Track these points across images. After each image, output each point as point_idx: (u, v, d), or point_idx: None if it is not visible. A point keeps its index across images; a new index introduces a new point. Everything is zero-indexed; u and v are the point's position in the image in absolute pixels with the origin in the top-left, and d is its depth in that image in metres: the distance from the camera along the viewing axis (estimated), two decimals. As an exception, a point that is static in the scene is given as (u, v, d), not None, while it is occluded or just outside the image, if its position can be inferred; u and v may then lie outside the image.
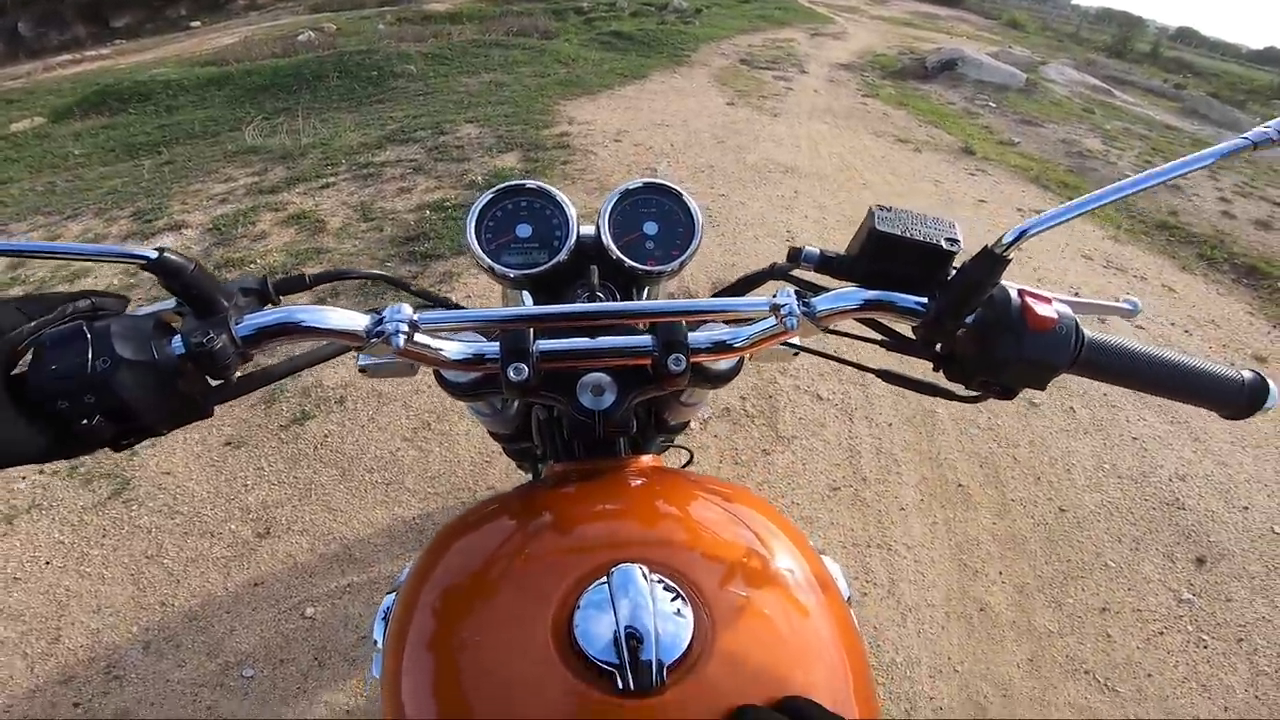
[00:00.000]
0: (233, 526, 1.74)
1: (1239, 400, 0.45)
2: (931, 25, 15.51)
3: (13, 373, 0.34)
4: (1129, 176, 0.44)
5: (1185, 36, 30.43)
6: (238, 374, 0.41)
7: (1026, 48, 12.13)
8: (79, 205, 3.82)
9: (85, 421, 0.34)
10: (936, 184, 4.21)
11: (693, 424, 2.07)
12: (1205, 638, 1.62)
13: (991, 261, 0.43)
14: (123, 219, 3.53)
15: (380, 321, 0.41)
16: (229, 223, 3.24)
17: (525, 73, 6.08)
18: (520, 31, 7.73)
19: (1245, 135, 0.42)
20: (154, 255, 0.38)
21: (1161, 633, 1.62)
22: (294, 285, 0.50)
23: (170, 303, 0.40)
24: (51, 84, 8.86)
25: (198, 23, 15.12)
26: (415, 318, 0.42)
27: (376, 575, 1.61)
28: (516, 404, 0.72)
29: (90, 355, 0.33)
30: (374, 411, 2.07)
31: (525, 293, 0.63)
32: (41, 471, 1.88)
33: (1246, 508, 2.00)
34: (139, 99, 6.37)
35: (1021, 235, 0.42)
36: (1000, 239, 0.42)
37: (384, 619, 0.55)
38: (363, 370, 0.58)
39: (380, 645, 0.52)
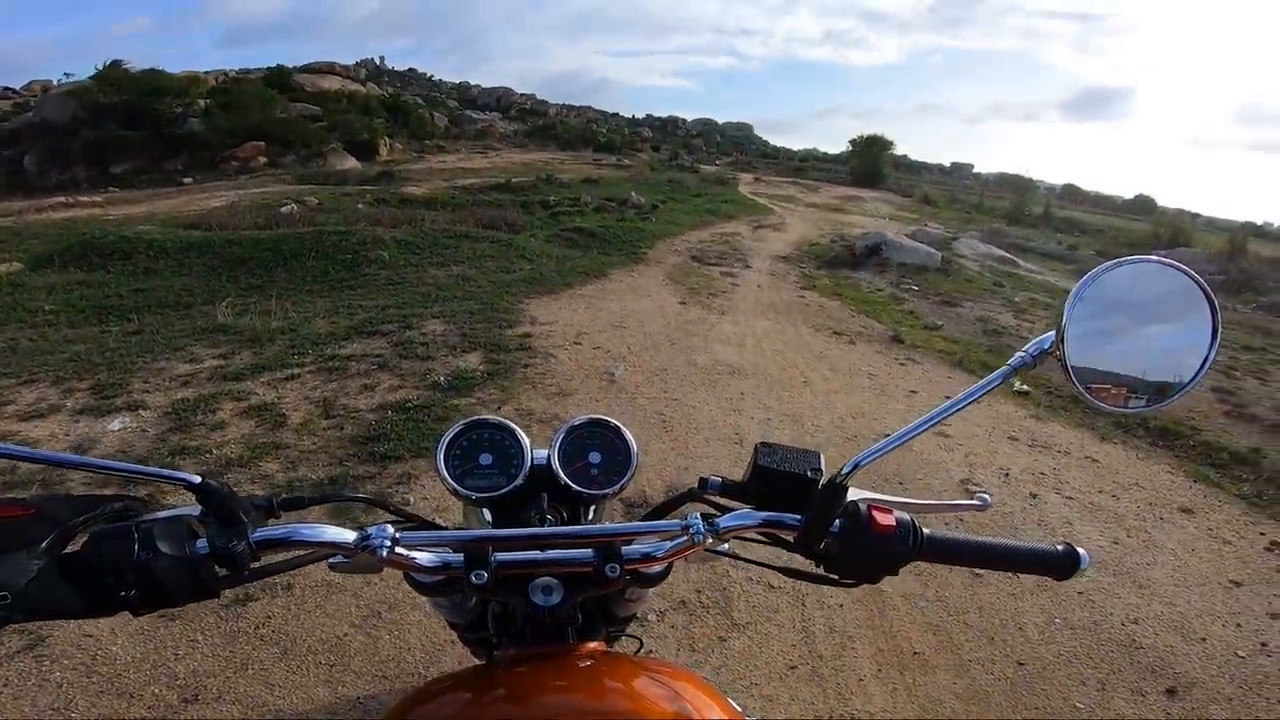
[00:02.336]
0: (156, 690, 1.67)
1: (1060, 566, 0.58)
2: (857, 209, 17.65)
3: (64, 551, 0.43)
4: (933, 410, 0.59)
5: (1070, 194, 35.12)
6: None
7: (939, 223, 13.87)
8: (38, 369, 3.77)
9: (123, 594, 0.43)
10: (871, 377, 4.56)
11: (650, 616, 2.10)
12: None
13: (835, 489, 0.56)
14: (80, 391, 3.49)
15: (367, 538, 0.51)
16: (189, 408, 3.25)
17: (491, 267, 6.53)
18: (489, 224, 8.38)
19: (1009, 363, 0.58)
20: (198, 481, 0.48)
21: None
22: (295, 504, 0.59)
23: (195, 509, 0.49)
24: (39, 227, 9.01)
25: (190, 179, 15.97)
26: (397, 535, 0.52)
27: None
28: (474, 601, 0.79)
29: (136, 548, 0.43)
30: (322, 599, 2.03)
31: (485, 510, 0.72)
32: None
33: (1204, 639, 2.10)
34: (120, 256, 6.45)
35: (856, 466, 0.56)
36: (840, 470, 0.56)
37: None
38: (332, 568, 0.65)
39: None
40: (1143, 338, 0.58)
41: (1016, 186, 25.50)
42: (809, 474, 0.61)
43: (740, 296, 6.50)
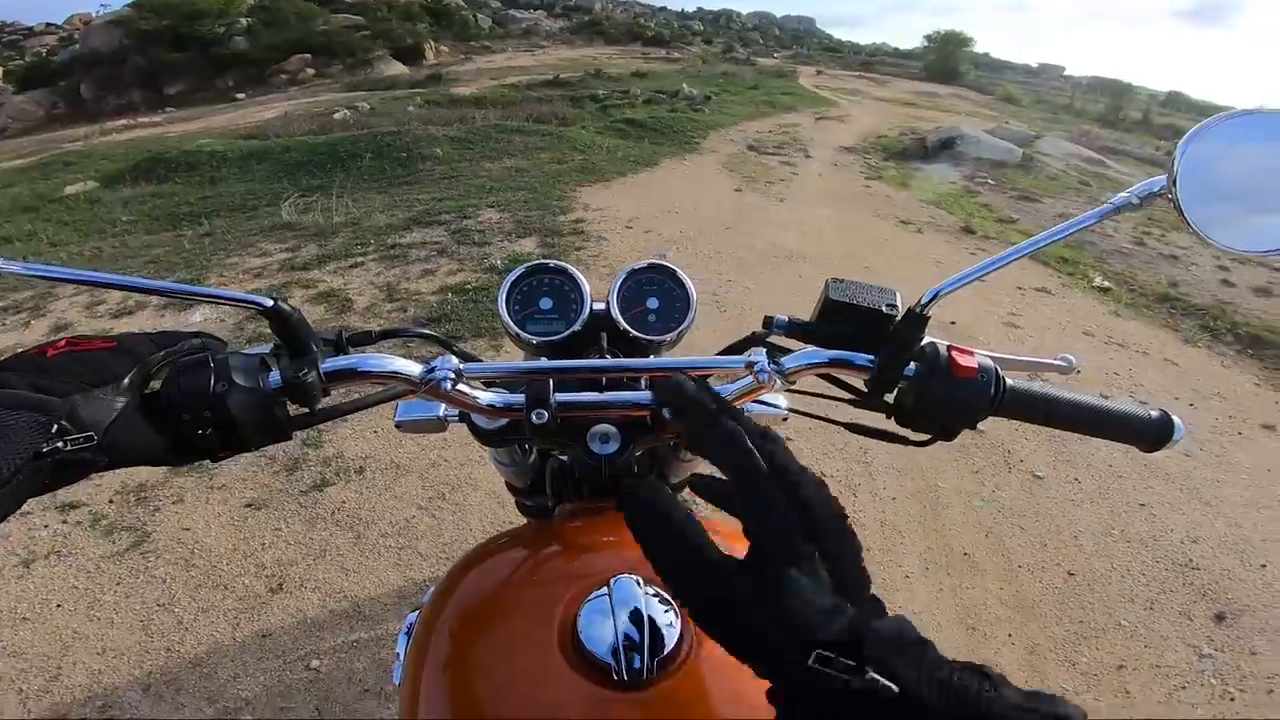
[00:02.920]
0: (246, 581, 1.79)
1: (1150, 435, 0.53)
2: (931, 104, 16.23)
3: (146, 391, 0.43)
4: (1051, 227, 0.55)
5: (1174, 101, 31.40)
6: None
7: (1022, 122, 12.65)
8: (123, 271, 4.05)
9: (200, 433, 0.43)
10: (938, 265, 4.34)
11: (697, 501, 2.15)
12: (1231, 690, 1.60)
13: (915, 320, 0.52)
14: None
15: (431, 370, 0.50)
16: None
17: (544, 159, 6.42)
18: (539, 118, 8.19)
19: (1112, 201, 0.53)
20: (270, 304, 0.47)
21: (1183, 688, 1.61)
22: (362, 340, 0.59)
23: (267, 348, 0.50)
24: (106, 148, 9.41)
25: (243, 95, 16.18)
26: (461, 367, 0.51)
27: (384, 633, 1.64)
28: (534, 457, 0.82)
29: (213, 379, 0.43)
30: (390, 481, 2.14)
31: (544, 358, 0.72)
32: (64, 521, 1.96)
33: (1264, 565, 2.00)
34: (186, 168, 6.73)
35: (935, 296, 0.52)
36: (919, 300, 0.52)
37: (407, 633, 0.62)
38: (399, 425, 0.69)
39: (402, 656, 0.59)
40: (1259, 184, 0.53)
41: (1113, 91, 22.72)
42: (885, 308, 0.55)
43: (800, 185, 6.20)
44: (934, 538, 2.03)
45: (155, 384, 0.44)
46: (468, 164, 6.25)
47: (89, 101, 16.68)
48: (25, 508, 0.35)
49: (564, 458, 0.79)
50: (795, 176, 6.53)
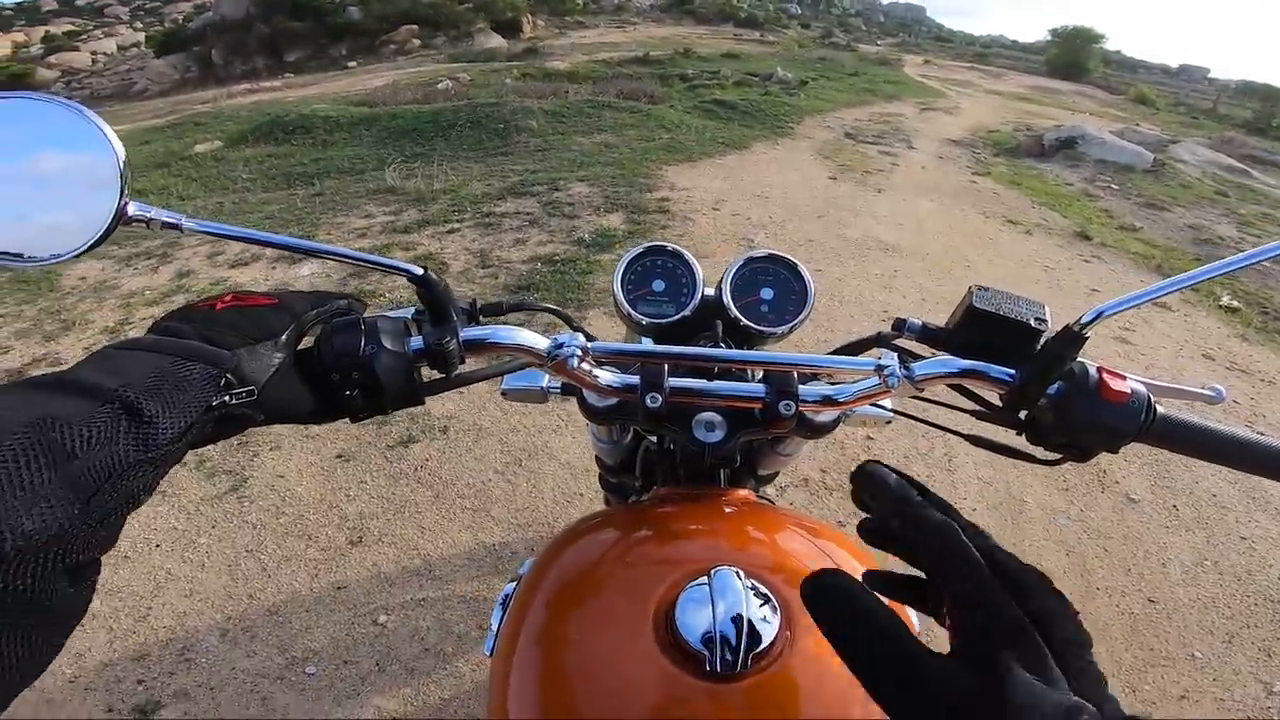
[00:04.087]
0: (329, 532, 1.87)
1: None
2: (1051, 101, 15.04)
3: (298, 349, 0.44)
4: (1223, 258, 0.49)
5: None
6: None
7: (1155, 125, 11.53)
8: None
9: (347, 393, 0.44)
10: (1046, 270, 4.05)
11: (769, 489, 2.12)
12: None
13: (1072, 338, 0.49)
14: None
15: (560, 346, 0.50)
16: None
17: (632, 135, 6.42)
18: (629, 95, 8.15)
19: None
20: (420, 272, 0.49)
21: None
22: (493, 310, 0.61)
23: (408, 312, 0.52)
24: (231, 110, 10.09)
25: (354, 63, 17.04)
26: (588, 345, 0.52)
27: (451, 593, 1.70)
28: (630, 436, 0.82)
29: (363, 340, 0.44)
30: (472, 443, 2.22)
31: (649, 341, 0.71)
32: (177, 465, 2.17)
33: None
34: (301, 131, 7.12)
35: (1099, 316, 0.48)
36: (1080, 319, 0.48)
37: (502, 604, 0.63)
38: (504, 394, 0.71)
39: (495, 628, 0.61)
40: None
41: (1265, 96, 20.17)
42: (1033, 322, 0.51)
43: (900, 176, 5.90)
44: (1012, 552, 1.92)
45: (308, 342, 0.45)
46: (559, 137, 6.33)
47: (218, 66, 18.05)
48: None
49: (655, 440, 0.80)
50: (895, 167, 6.22)
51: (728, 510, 0.65)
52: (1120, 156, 7.39)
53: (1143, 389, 0.49)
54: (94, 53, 25.45)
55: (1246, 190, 7.35)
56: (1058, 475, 2.25)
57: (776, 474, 0.91)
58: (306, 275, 3.56)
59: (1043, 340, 0.51)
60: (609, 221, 4.04)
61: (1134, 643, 1.71)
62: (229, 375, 0.36)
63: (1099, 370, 0.49)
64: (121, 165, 0.40)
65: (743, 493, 0.70)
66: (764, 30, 25.14)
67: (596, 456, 0.96)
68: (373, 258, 0.50)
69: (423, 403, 0.49)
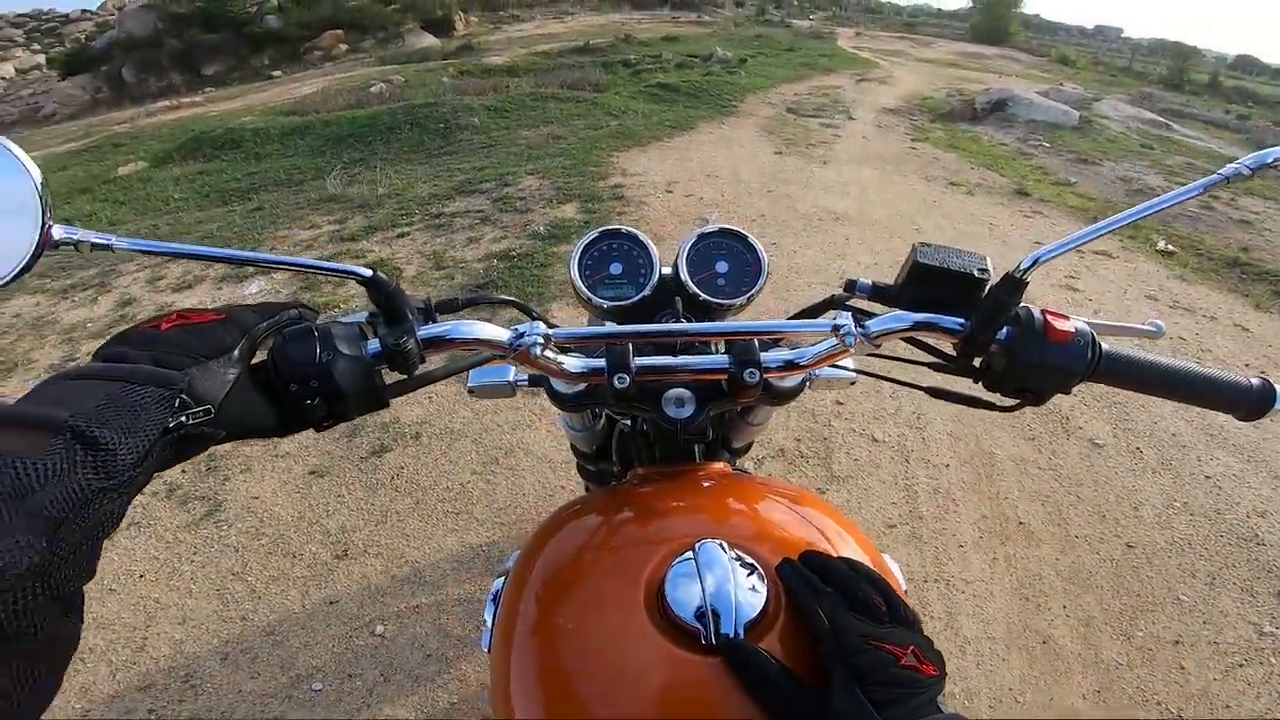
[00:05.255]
0: (313, 548, 1.85)
1: (1248, 403, 0.52)
2: (978, 65, 15.49)
3: (253, 362, 0.43)
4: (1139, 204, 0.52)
5: (1245, 65, 29.29)
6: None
7: (1078, 84, 12.00)
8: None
9: (308, 402, 0.44)
10: (990, 227, 4.20)
11: (746, 463, 2.15)
12: None
13: (1013, 284, 0.51)
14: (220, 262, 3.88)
15: (520, 336, 0.51)
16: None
17: (579, 125, 6.36)
18: (572, 85, 8.09)
19: (1221, 171, 0.50)
20: (369, 274, 0.48)
21: (1241, 665, 1.57)
22: (449, 306, 0.60)
23: (363, 315, 0.51)
24: (152, 129, 9.62)
25: (279, 72, 16.36)
26: (550, 333, 0.52)
27: (444, 598, 1.69)
28: (602, 422, 0.83)
29: (318, 348, 0.43)
30: (446, 447, 2.19)
31: (612, 323, 0.72)
32: (142, 491, 2.07)
33: None
34: (230, 145, 6.83)
35: (1036, 262, 0.51)
36: (1019, 265, 0.51)
37: (494, 600, 0.63)
38: (471, 391, 0.71)
39: (490, 623, 0.61)
40: None
41: (1176, 53, 21.14)
42: (976, 273, 0.53)
43: (843, 147, 6.02)
44: (988, 506, 2.00)
45: (261, 355, 0.44)
46: (504, 132, 6.24)
47: (131, 84, 17.10)
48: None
49: (628, 423, 0.80)
50: (838, 139, 6.34)
51: (706, 484, 0.65)
52: (1049, 116, 7.69)
53: (1086, 328, 0.52)
54: (-11, 78, 23.79)
55: (1169, 142, 7.76)
56: (1024, 426, 2.33)
57: (750, 445, 0.92)
58: (254, 293, 3.42)
59: (987, 289, 0.53)
60: (563, 212, 4.00)
61: (1120, 589, 1.76)
62: (183, 395, 0.36)
63: (1044, 313, 0.52)
64: (39, 189, 0.39)
65: (719, 466, 0.71)
66: (700, 11, 25.17)
67: (572, 445, 0.96)
68: (318, 263, 0.50)
69: (387, 405, 0.49)
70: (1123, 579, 1.79)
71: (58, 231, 0.40)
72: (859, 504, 1.98)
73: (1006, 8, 25.90)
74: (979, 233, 4.10)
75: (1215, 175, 0.50)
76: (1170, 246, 4.00)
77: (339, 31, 18.01)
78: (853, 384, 0.72)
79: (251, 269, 3.67)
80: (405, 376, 0.50)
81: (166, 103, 13.04)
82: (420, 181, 4.85)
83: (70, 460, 0.30)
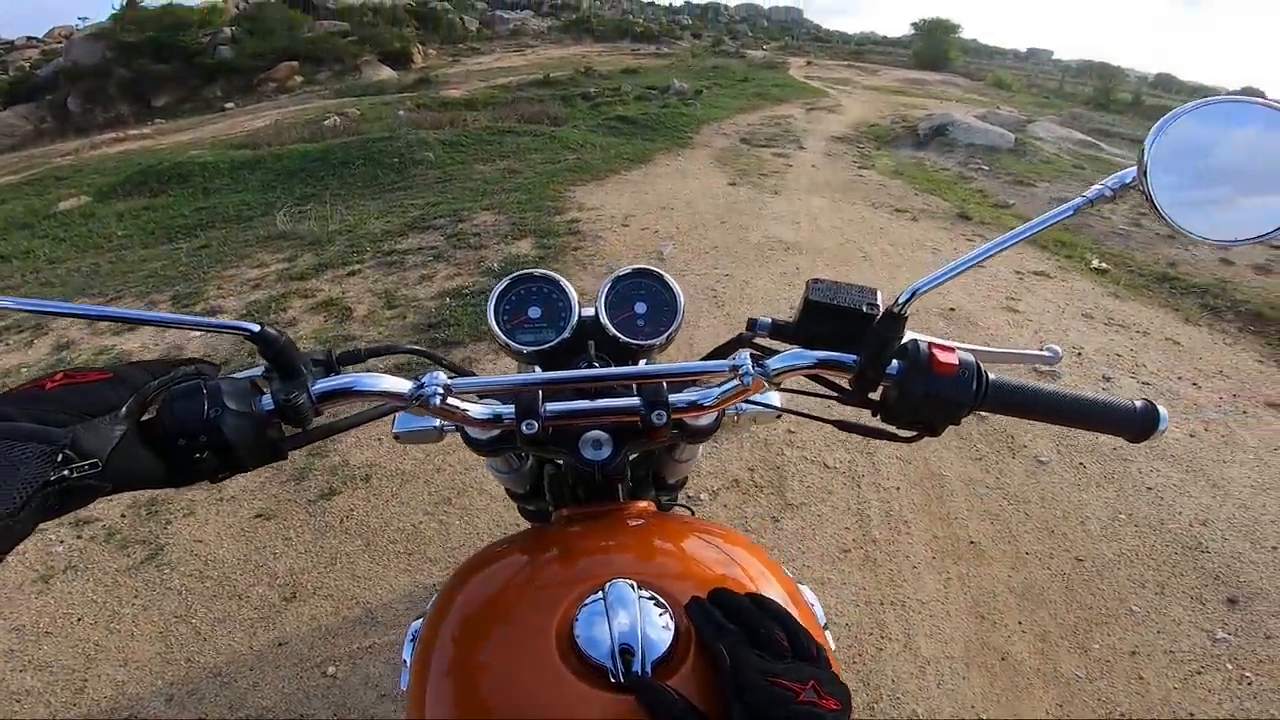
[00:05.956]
0: (260, 590, 1.81)
1: (1135, 426, 0.54)
2: (921, 91, 16.21)
3: (143, 419, 0.44)
4: (1010, 230, 0.54)
5: (1164, 83, 31.12)
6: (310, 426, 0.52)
7: (1013, 107, 12.62)
8: (122, 287, 4.04)
9: (197, 456, 0.44)
10: (934, 252, 4.35)
11: (703, 495, 2.14)
12: (1248, 674, 1.61)
13: (893, 319, 0.52)
14: (163, 302, 3.75)
15: (421, 386, 0.51)
16: (261, 309, 3.43)
17: (536, 159, 6.41)
18: (531, 118, 8.18)
19: (1086, 194, 0.53)
20: (256, 329, 0.48)
21: (1199, 672, 1.61)
22: (352, 358, 0.60)
23: (258, 370, 0.51)
24: (97, 161, 9.32)
25: (231, 104, 16.09)
26: (449, 383, 0.52)
27: (397, 638, 1.65)
28: (530, 463, 0.83)
29: (206, 406, 0.44)
30: (397, 488, 2.16)
31: (536, 366, 0.73)
32: (79, 536, 1.98)
33: (1275, 547, 1.98)
34: (178, 180, 6.66)
35: (914, 294, 0.52)
36: (897, 298, 0.52)
37: (412, 640, 0.63)
38: (397, 437, 0.70)
39: (409, 663, 0.61)
40: (1230, 175, 0.52)
41: (1102, 74, 22.52)
42: (865, 309, 0.56)
43: (794, 176, 6.19)
44: (940, 526, 2.04)
45: (151, 411, 0.44)
46: (460, 167, 6.24)
47: (76, 115, 16.58)
48: (39, 527, 0.36)
49: (559, 463, 0.81)
50: (789, 168, 6.52)
51: (630, 524, 0.66)
52: (987, 139, 8.07)
53: (971, 358, 0.53)
54: (-72, 106, 22.78)
55: (1098, 161, 8.20)
56: (970, 446, 2.39)
57: (684, 480, 0.93)
58: (197, 336, 3.33)
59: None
60: (518, 248, 4.01)
61: (1073, 602, 1.79)
62: (66, 450, 0.37)
63: (929, 345, 0.53)
64: None
65: (642, 504, 0.72)
66: (660, 43, 25.79)
67: (505, 488, 0.96)
68: (201, 320, 0.50)
69: (285, 457, 0.49)
70: (1075, 592, 1.82)
71: None
72: (812, 530, 2.00)
73: (944, 33, 27.24)
74: (922, 258, 4.24)
75: (1079, 199, 0.52)
76: (1103, 264, 4.20)
77: (294, 63, 17.85)
78: (778, 418, 0.73)
79: (199, 308, 3.58)
80: (300, 430, 0.50)
81: (113, 134, 12.68)
82: (373, 217, 4.81)
83: None
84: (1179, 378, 2.91)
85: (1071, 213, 0.52)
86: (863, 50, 33.05)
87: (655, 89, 10.95)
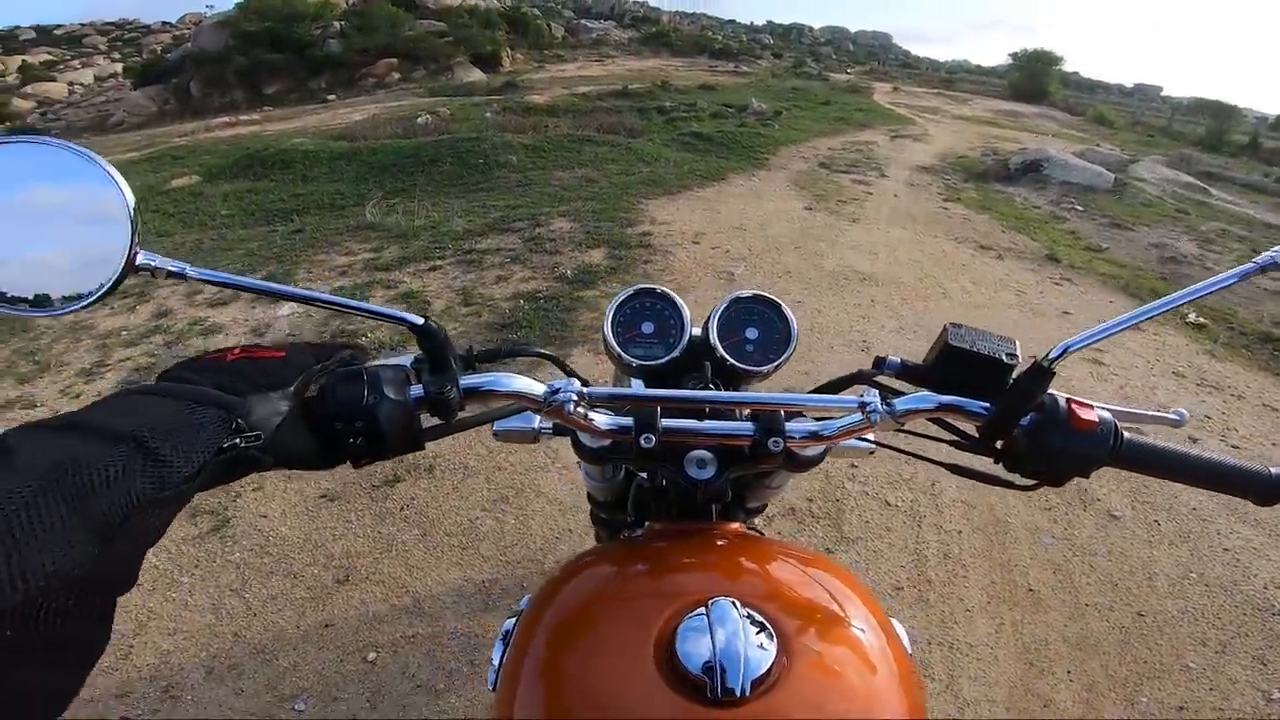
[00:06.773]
0: (315, 571, 1.87)
1: (1264, 489, 0.53)
2: (1014, 124, 15.55)
3: (305, 397, 0.46)
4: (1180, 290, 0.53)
5: None
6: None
7: (1115, 145, 11.97)
8: (219, 263, 4.33)
9: (351, 441, 0.46)
10: (1019, 294, 4.16)
11: (756, 520, 2.13)
12: None
13: (1040, 373, 0.52)
14: None
15: (556, 392, 0.53)
16: (345, 295, 3.61)
17: (612, 169, 6.51)
18: (608, 129, 8.27)
19: (1257, 260, 0.52)
20: (421, 322, 0.51)
21: None
22: (490, 357, 0.62)
23: (408, 359, 0.54)
24: (210, 144, 9.97)
25: (333, 96, 17.07)
26: (584, 391, 0.54)
27: (441, 630, 1.69)
28: (621, 474, 0.84)
29: (365, 392, 0.46)
30: (458, 482, 2.22)
31: (640, 381, 0.74)
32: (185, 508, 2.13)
33: None
34: (281, 166, 7.06)
35: (1065, 351, 0.52)
36: (1047, 354, 0.51)
37: (503, 639, 0.63)
38: (496, 434, 0.72)
39: (497, 662, 0.61)
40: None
41: (1216, 112, 20.99)
42: (1005, 358, 0.55)
43: (874, 205, 6.05)
44: (999, 573, 1.97)
45: (313, 391, 0.47)
46: (540, 172, 6.40)
47: (196, 98, 17.97)
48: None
49: (646, 477, 0.81)
50: (869, 196, 6.38)
51: (720, 543, 0.66)
52: (1083, 178, 7.66)
53: (1109, 417, 0.53)
54: (71, 83, 25.19)
55: (1205, 207, 7.65)
56: (1039, 496, 2.29)
57: (765, 506, 0.93)
58: (285, 315, 3.54)
59: (1015, 374, 0.55)
60: (591, 257, 4.08)
61: (1127, 656, 1.75)
62: (240, 420, 0.39)
63: (1068, 401, 0.52)
64: (131, 214, 0.42)
65: (734, 526, 0.72)
66: (738, 61, 25.72)
67: (589, 493, 0.98)
68: (376, 308, 0.53)
69: (423, 448, 0.51)
70: (1131, 646, 1.77)
71: (141, 257, 0.43)
72: (866, 565, 1.97)
73: (1045, 65, 26.09)
74: (1006, 299, 4.06)
75: (1251, 264, 0.51)
76: (1201, 319, 3.92)
77: (394, 60, 18.80)
78: (871, 454, 0.73)
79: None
80: (443, 421, 0.53)
81: (226, 118, 13.64)
82: (456, 215, 4.99)
83: (131, 469, 0.32)
84: (1273, 444, 2.73)
85: (1239, 279, 0.52)
86: (954, 78, 32.01)
87: (732, 107, 10.91)
